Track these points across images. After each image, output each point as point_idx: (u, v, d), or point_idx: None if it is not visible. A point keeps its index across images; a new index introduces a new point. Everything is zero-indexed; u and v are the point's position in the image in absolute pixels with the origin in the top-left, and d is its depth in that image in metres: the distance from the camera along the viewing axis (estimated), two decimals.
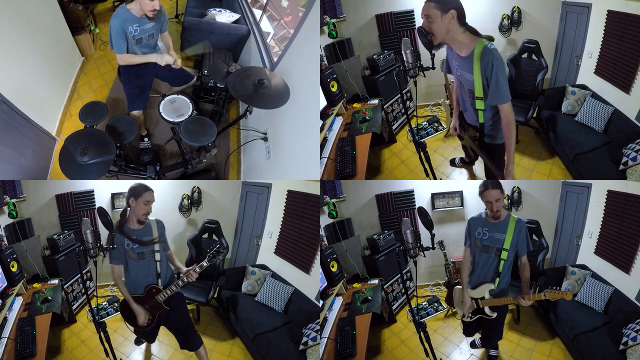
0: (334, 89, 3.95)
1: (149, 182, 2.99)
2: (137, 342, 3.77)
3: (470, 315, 3.09)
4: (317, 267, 3.72)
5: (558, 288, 2.87)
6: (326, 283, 3.77)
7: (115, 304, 4.29)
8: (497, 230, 2.89)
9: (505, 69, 2.57)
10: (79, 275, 4.08)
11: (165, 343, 3.79)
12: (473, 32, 2.53)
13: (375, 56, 4.32)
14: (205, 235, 4.17)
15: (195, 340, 3.25)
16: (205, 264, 2.92)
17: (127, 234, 2.90)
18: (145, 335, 3.44)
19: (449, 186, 4.48)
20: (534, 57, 4.16)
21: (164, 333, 3.92)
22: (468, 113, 2.94)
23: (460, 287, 3.13)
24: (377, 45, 4.55)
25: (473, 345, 3.69)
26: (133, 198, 2.86)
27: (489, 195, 2.82)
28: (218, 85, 4.30)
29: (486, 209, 2.93)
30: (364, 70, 4.41)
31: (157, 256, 2.97)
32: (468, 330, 3.37)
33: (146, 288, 2.97)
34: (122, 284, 2.98)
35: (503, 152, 2.93)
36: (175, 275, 3.11)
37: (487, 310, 3.01)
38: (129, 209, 2.92)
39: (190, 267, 2.96)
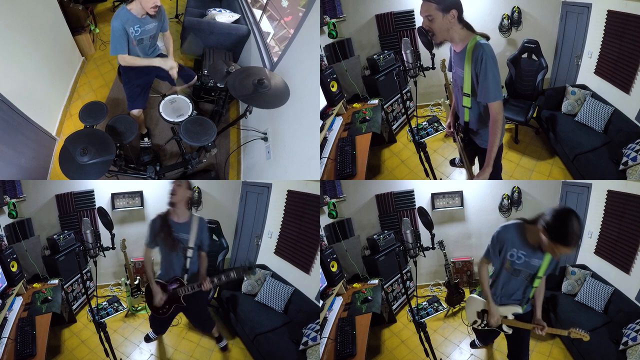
0: (334, 89, 3.95)
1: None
2: (147, 339, 3.76)
3: (483, 325, 2.91)
4: (317, 267, 3.72)
5: (581, 330, 2.67)
6: (326, 283, 3.77)
7: (115, 304, 4.29)
8: (535, 256, 2.48)
9: (497, 66, 2.44)
10: (79, 275, 4.08)
11: (165, 343, 3.79)
12: (469, 28, 2.51)
13: (375, 56, 4.32)
14: None
15: (209, 325, 3.52)
16: (223, 279, 3.12)
17: (169, 225, 3.08)
18: (158, 324, 3.51)
19: (449, 186, 4.48)
20: (534, 57, 4.16)
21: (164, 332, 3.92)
22: (459, 112, 2.86)
23: (476, 296, 2.90)
24: (377, 45, 4.56)
25: (473, 345, 3.69)
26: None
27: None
28: (218, 85, 4.30)
29: (525, 232, 2.47)
30: (364, 70, 4.41)
31: (189, 252, 3.11)
32: (483, 339, 3.35)
33: (172, 278, 3.14)
34: (149, 265, 3.15)
35: (497, 157, 2.77)
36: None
37: (504, 327, 2.78)
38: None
39: (208, 278, 3.15)
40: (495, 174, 3.00)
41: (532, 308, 2.74)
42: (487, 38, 2.51)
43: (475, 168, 3.99)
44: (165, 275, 3.18)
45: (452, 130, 3.06)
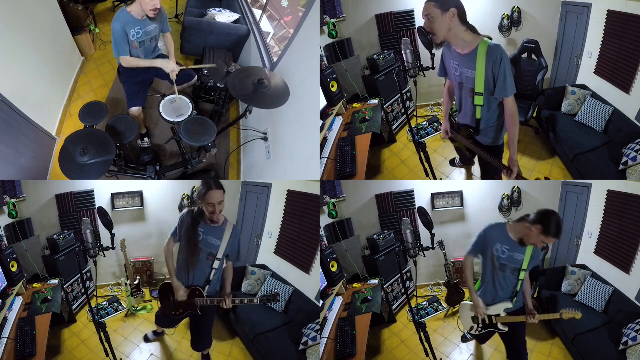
0: (334, 89, 3.95)
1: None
2: (146, 340, 3.76)
3: (480, 329, 2.99)
4: (317, 267, 3.72)
5: (572, 309, 2.84)
6: (326, 283, 3.77)
7: (115, 304, 4.29)
8: (517, 251, 2.71)
9: (510, 63, 2.63)
10: (79, 275, 4.07)
11: (166, 343, 3.79)
12: (474, 30, 2.58)
13: (375, 56, 4.32)
14: None
15: (207, 342, 3.26)
16: (245, 302, 3.04)
17: (199, 225, 2.85)
18: (167, 321, 3.28)
19: (449, 186, 4.48)
20: (534, 57, 4.16)
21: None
22: (463, 112, 2.92)
23: (470, 303, 2.97)
24: (377, 45, 4.55)
25: (464, 339, 3.74)
26: (200, 199, 2.81)
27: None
28: (218, 85, 4.30)
29: (508, 224, 2.76)
30: (364, 70, 4.41)
31: (216, 264, 2.91)
32: (480, 341, 3.35)
33: (190, 287, 2.92)
34: (170, 257, 2.97)
35: (499, 153, 2.94)
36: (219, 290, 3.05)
37: (499, 325, 2.91)
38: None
39: (229, 295, 2.95)
40: (496, 173, 3.04)
41: (524, 302, 2.89)
42: (491, 39, 2.61)
43: (476, 168, 4.02)
44: (184, 278, 2.93)
45: (448, 134, 3.15)
